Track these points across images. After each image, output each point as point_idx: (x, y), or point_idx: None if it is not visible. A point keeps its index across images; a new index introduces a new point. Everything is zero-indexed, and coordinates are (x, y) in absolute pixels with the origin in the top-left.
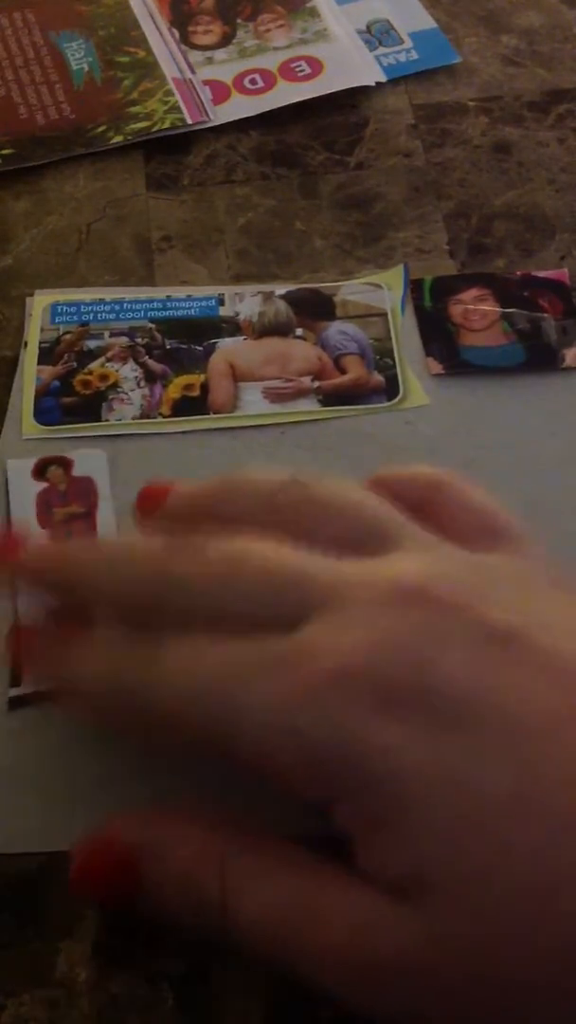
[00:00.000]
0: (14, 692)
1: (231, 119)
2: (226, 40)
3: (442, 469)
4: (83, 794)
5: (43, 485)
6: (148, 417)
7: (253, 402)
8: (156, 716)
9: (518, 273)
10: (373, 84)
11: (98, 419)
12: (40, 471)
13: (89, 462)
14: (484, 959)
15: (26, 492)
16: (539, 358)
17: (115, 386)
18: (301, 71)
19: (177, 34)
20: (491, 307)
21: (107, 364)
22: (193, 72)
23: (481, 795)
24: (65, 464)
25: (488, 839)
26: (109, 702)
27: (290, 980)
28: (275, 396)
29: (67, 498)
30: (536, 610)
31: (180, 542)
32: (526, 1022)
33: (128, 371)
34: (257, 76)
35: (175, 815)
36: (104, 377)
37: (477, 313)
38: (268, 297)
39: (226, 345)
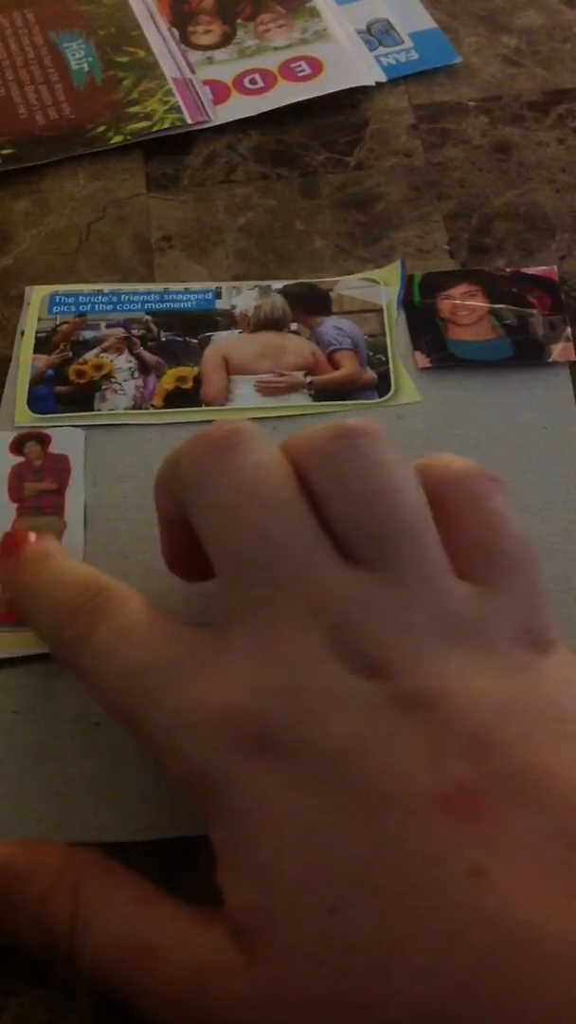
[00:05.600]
0: None
1: (231, 119)
2: (226, 40)
3: (468, 465)
4: (70, 786)
5: (19, 459)
6: (140, 408)
7: (245, 395)
8: (84, 681)
9: (507, 270)
10: (373, 84)
11: (91, 408)
12: (18, 446)
13: (67, 440)
14: (314, 1021)
15: (1, 465)
16: (526, 352)
17: (109, 376)
18: (301, 71)
19: (177, 34)
20: (480, 303)
21: (102, 354)
22: (193, 72)
23: (332, 859)
24: (43, 440)
25: (331, 905)
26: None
27: None
28: (267, 390)
29: (41, 474)
30: (464, 671)
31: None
32: None
33: (122, 362)
34: (257, 76)
35: (32, 845)
36: (98, 367)
37: (465, 308)
38: (265, 291)
39: (221, 338)
